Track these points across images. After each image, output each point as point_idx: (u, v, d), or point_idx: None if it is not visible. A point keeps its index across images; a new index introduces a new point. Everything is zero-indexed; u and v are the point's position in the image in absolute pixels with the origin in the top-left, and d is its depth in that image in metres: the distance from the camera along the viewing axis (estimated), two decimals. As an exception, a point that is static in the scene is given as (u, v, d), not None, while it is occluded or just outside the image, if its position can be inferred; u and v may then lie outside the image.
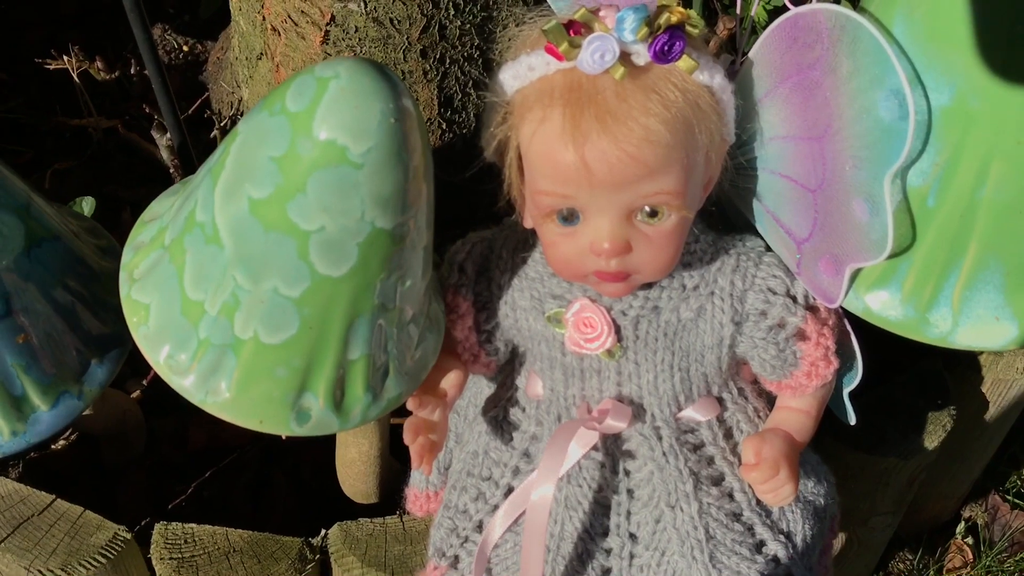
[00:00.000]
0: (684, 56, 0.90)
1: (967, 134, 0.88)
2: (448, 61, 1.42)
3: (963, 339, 0.96)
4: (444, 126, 1.47)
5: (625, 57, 0.90)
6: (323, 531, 1.24)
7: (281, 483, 1.53)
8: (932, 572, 1.63)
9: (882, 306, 0.98)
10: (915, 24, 0.87)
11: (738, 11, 1.01)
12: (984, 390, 1.40)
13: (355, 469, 1.28)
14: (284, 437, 1.03)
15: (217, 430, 1.56)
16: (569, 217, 0.95)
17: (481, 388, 1.18)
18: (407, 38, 1.38)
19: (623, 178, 0.91)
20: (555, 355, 1.06)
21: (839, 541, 1.43)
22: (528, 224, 1.02)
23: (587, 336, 1.02)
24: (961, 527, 1.68)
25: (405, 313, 0.98)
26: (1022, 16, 0.82)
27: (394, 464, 1.35)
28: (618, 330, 1.02)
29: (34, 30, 1.88)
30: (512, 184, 0.99)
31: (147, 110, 1.68)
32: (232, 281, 0.91)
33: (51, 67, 1.74)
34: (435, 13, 1.37)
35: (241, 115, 1.69)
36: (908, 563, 1.64)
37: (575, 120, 0.90)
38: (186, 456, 1.54)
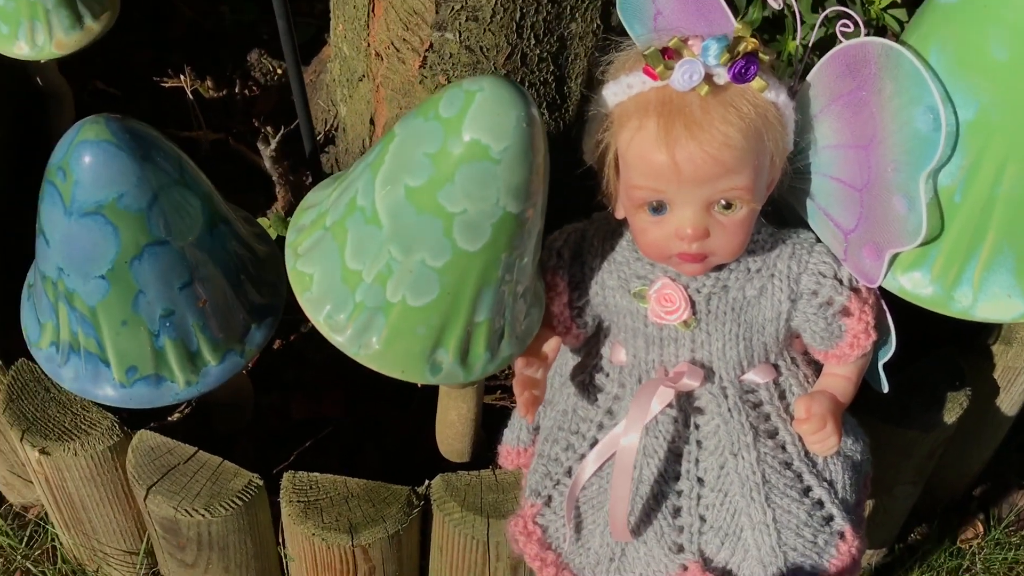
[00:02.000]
0: (757, 78, 1.12)
1: (988, 142, 1.09)
2: (526, 84, 1.62)
3: (982, 313, 1.17)
4: (521, 141, 1.67)
5: (708, 77, 1.11)
6: (426, 481, 1.44)
7: (372, 453, 1.73)
8: (947, 542, 1.82)
9: (914, 285, 1.19)
10: (947, 54, 1.08)
11: (797, 41, 1.22)
12: (995, 376, 1.59)
13: (453, 430, 1.48)
14: (420, 385, 1.23)
15: (315, 405, 1.76)
16: (658, 208, 1.16)
17: (566, 361, 1.38)
18: (493, 64, 1.59)
19: (705, 176, 1.12)
20: (638, 326, 1.26)
21: (866, 509, 1.62)
22: (620, 215, 1.22)
23: (667, 309, 1.23)
24: (974, 505, 1.87)
25: (519, 286, 1.18)
26: (1031, 49, 1.04)
27: (481, 434, 1.55)
28: (693, 305, 1.23)
29: (143, 51, 2.09)
30: (609, 181, 1.20)
31: (256, 124, 1.89)
32: (387, 254, 1.12)
33: (166, 85, 1.95)
34: (518, 42, 1.57)
35: (336, 130, 1.90)
36: (926, 535, 1.83)
37: (667, 128, 1.11)
38: (288, 428, 1.74)
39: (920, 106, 1.07)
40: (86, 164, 1.10)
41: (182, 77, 1.91)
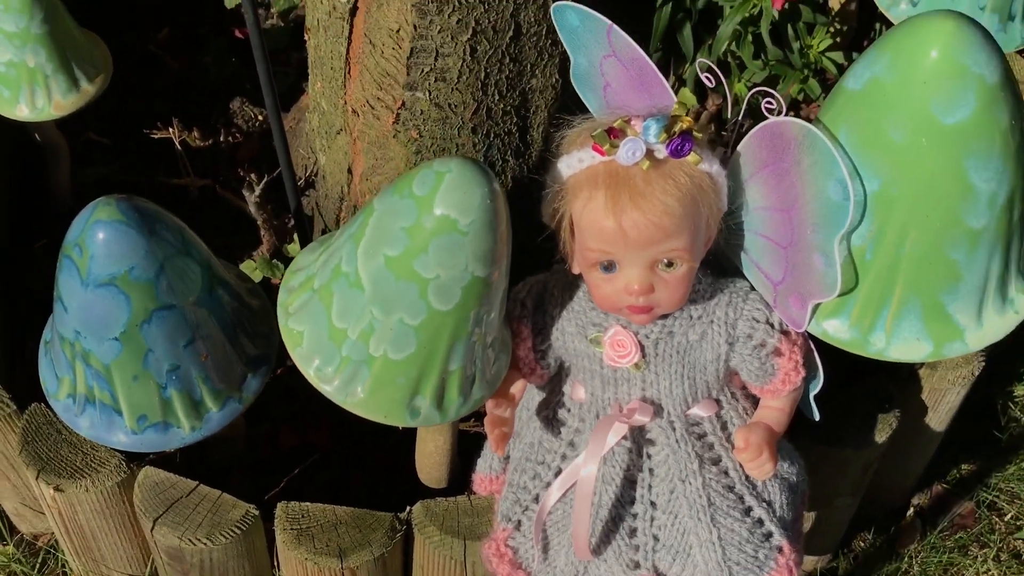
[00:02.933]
0: (692, 153, 1.27)
1: (891, 210, 1.25)
2: (492, 135, 1.76)
3: (894, 354, 1.33)
4: (488, 187, 1.82)
5: (649, 153, 1.26)
6: (408, 507, 1.58)
7: (357, 480, 1.87)
8: (887, 547, 1.98)
9: (835, 330, 1.35)
10: (854, 134, 1.24)
11: (730, 115, 1.37)
12: (923, 397, 1.75)
13: (432, 459, 1.63)
14: (400, 428, 1.37)
15: (303, 436, 1.90)
16: (609, 267, 1.31)
17: (532, 398, 1.53)
18: (461, 118, 1.73)
19: (648, 239, 1.27)
20: (595, 368, 1.41)
21: (809, 520, 1.78)
22: (576, 271, 1.37)
23: (620, 353, 1.38)
24: (911, 512, 2.03)
25: (488, 337, 1.33)
26: (924, 132, 1.19)
27: (457, 462, 1.70)
28: (643, 349, 1.38)
29: (133, 102, 2.22)
30: (565, 242, 1.35)
31: (241, 172, 2.03)
32: (369, 315, 1.26)
33: (156, 136, 2.09)
34: (484, 99, 1.71)
35: (315, 175, 2.04)
36: (867, 541, 1.99)
37: (615, 198, 1.26)
38: (278, 457, 1.88)
39: (832, 179, 1.22)
40: (100, 241, 1.25)
41: (171, 130, 2.04)
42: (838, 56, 2.07)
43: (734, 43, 2.04)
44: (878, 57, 1.21)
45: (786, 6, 1.96)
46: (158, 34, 2.28)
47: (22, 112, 1.82)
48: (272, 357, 1.47)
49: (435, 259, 1.22)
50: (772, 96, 1.30)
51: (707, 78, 1.37)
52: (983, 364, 1.71)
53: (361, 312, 1.27)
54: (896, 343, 1.32)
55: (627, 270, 1.30)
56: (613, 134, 1.26)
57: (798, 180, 1.26)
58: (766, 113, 1.30)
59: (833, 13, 2.15)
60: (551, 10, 1.47)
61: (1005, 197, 1.22)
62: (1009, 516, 2.01)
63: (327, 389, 1.31)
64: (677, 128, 1.26)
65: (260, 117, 2.22)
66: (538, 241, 1.37)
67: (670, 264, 1.30)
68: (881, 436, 1.65)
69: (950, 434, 1.91)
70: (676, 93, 2.08)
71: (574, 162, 1.30)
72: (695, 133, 1.27)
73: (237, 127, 2.21)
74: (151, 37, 2.28)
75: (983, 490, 2.03)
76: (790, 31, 2.03)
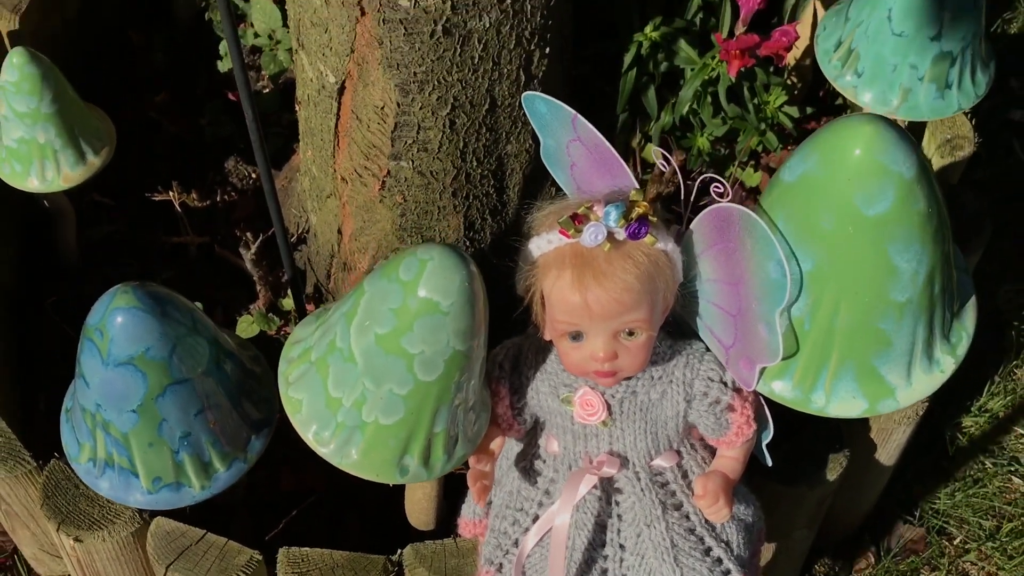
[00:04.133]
0: (648, 235, 1.41)
1: (824, 287, 1.40)
2: (471, 197, 1.90)
3: (833, 411, 1.48)
4: (468, 244, 1.96)
5: (610, 235, 1.41)
6: (399, 550, 1.72)
7: (352, 521, 2.00)
8: (843, 573, 2.13)
9: (781, 390, 1.50)
10: (790, 221, 1.39)
11: (683, 198, 1.52)
12: (872, 436, 1.90)
13: (420, 505, 1.77)
14: (391, 485, 1.51)
15: (301, 479, 2.03)
16: (576, 336, 1.45)
17: (511, 449, 1.67)
18: (442, 183, 1.87)
19: (611, 313, 1.41)
20: (566, 424, 1.56)
21: (769, 551, 1.93)
22: (547, 337, 1.52)
23: (588, 412, 1.53)
24: (865, 539, 2.18)
25: (469, 400, 1.47)
26: (850, 221, 1.34)
27: (443, 506, 1.84)
28: (609, 408, 1.53)
29: (134, 163, 2.34)
30: (537, 313, 1.49)
31: (238, 233, 2.16)
32: (362, 386, 1.40)
33: (156, 198, 2.22)
34: (463, 165, 1.85)
35: (307, 232, 2.18)
36: (826, 567, 2.13)
37: (580, 277, 1.41)
38: (277, 498, 2.01)
39: (771, 260, 1.37)
40: (119, 325, 1.39)
41: (171, 192, 2.17)
42: (793, 111, 2.22)
43: (695, 103, 2.19)
44: (810, 154, 1.36)
45: (742, 70, 2.11)
46: (156, 98, 2.41)
47: (33, 184, 1.95)
48: (274, 420, 1.61)
49: (420, 336, 1.36)
50: (719, 181, 1.44)
51: (662, 164, 1.52)
52: (926, 405, 1.86)
53: (354, 383, 1.41)
54: (835, 401, 1.47)
55: (593, 340, 1.44)
56: (577, 219, 1.41)
57: (743, 258, 1.41)
58: (714, 196, 1.45)
59: (788, 68, 2.30)
60: (522, 98, 1.61)
61: (926, 274, 1.38)
62: (957, 540, 2.16)
63: (324, 451, 1.45)
64: (635, 214, 1.41)
65: (254, 175, 2.34)
66: (513, 316, 1.51)
67: (631, 333, 1.44)
68: (833, 474, 1.80)
69: (902, 465, 2.05)
70: (642, 150, 2.24)
71: (543, 243, 1.45)
72: (651, 218, 1.42)
73: (232, 185, 2.33)
74: (149, 102, 2.41)
75: (933, 516, 2.18)
76: (746, 92, 2.18)
